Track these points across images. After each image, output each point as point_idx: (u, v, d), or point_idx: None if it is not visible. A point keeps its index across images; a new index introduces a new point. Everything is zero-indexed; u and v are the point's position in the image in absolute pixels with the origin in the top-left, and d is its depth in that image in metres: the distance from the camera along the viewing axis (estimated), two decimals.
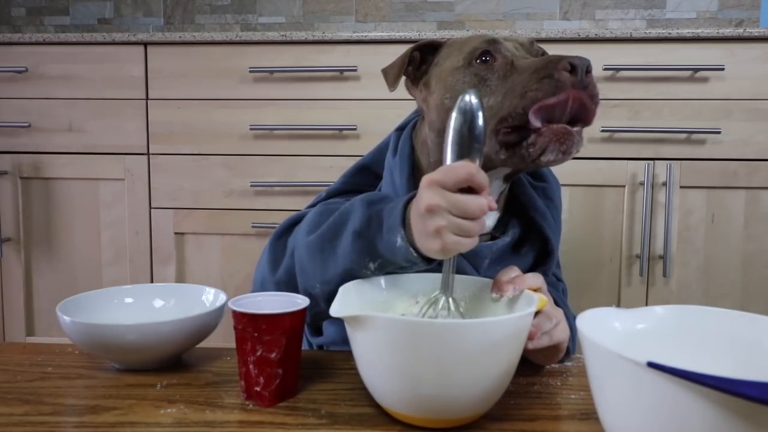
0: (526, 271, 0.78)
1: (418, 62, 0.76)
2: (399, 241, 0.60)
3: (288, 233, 0.77)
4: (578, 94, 0.60)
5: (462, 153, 0.57)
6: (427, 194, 0.56)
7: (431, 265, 0.62)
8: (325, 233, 0.68)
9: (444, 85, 0.70)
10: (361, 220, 0.64)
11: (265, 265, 0.77)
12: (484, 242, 0.74)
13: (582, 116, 0.62)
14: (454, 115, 0.57)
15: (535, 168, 0.72)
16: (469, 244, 0.56)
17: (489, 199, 0.56)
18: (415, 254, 0.60)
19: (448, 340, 0.49)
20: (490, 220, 0.74)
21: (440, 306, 0.60)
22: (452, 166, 0.56)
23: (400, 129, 0.83)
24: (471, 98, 0.57)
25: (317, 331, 0.89)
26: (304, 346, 0.94)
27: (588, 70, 0.61)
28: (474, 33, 0.74)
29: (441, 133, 0.68)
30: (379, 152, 0.85)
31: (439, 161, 0.69)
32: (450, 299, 0.60)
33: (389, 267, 0.64)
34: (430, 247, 0.57)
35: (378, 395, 0.56)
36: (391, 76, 0.75)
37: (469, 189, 0.56)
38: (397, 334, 0.50)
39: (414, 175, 0.76)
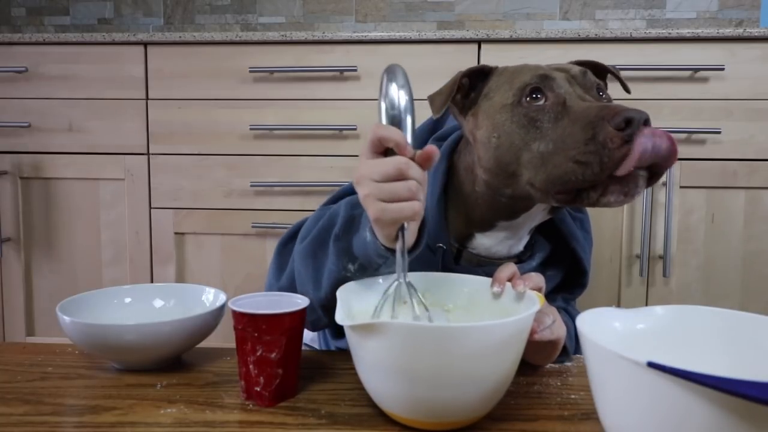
0: (549, 292, 0.77)
1: (467, 89, 0.71)
2: (368, 235, 0.59)
3: (294, 240, 0.76)
4: (642, 155, 0.54)
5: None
6: (358, 167, 0.57)
7: (391, 258, 0.61)
8: (315, 238, 0.68)
9: (492, 122, 0.66)
10: (341, 222, 0.64)
11: (272, 272, 0.77)
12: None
13: (656, 167, 0.57)
14: (384, 86, 0.56)
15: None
16: (398, 209, 0.54)
17: (413, 152, 0.55)
18: (382, 246, 0.59)
19: (451, 342, 0.49)
20: (522, 244, 0.73)
21: (395, 291, 0.59)
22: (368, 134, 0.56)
23: (440, 139, 0.78)
24: (400, 96, 0.56)
25: (340, 334, 0.89)
26: (323, 348, 0.93)
27: (647, 124, 0.56)
28: (525, 63, 0.70)
29: (490, 172, 0.66)
30: None
31: (488, 195, 0.68)
32: (408, 286, 0.59)
33: (368, 270, 0.64)
34: (370, 218, 0.56)
35: (379, 399, 0.56)
36: (437, 103, 0.69)
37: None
38: (401, 338, 0.50)
39: (447, 196, 0.73)
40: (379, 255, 0.60)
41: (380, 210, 0.54)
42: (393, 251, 0.59)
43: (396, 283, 0.59)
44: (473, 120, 0.69)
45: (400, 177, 0.54)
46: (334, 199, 0.83)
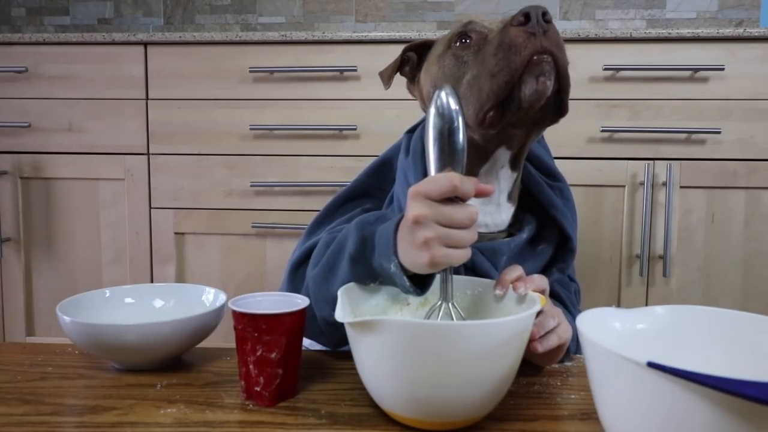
0: (543, 268, 0.78)
1: (416, 62, 0.77)
2: (392, 268, 0.59)
3: (306, 264, 0.76)
4: (539, 47, 0.58)
5: (444, 161, 0.56)
6: (413, 205, 0.55)
7: (423, 294, 0.61)
8: (326, 264, 0.68)
9: (430, 76, 0.72)
10: (355, 245, 0.64)
11: None
12: (502, 239, 0.74)
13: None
14: (432, 114, 0.56)
15: (526, 119, 0.65)
16: (459, 255, 0.55)
17: (482, 186, 0.56)
18: (408, 283, 0.59)
19: (452, 341, 0.49)
20: (505, 214, 0.74)
21: (442, 312, 0.59)
22: (435, 177, 0.55)
23: (411, 131, 0.82)
24: (448, 99, 0.55)
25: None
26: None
27: (547, 20, 0.59)
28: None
29: None
30: (398, 148, 0.84)
31: None
32: (451, 306, 0.59)
33: (391, 283, 0.63)
34: (418, 260, 0.55)
35: (380, 398, 0.56)
36: (384, 76, 0.78)
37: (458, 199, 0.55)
38: (403, 336, 0.50)
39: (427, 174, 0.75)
40: (402, 287, 0.60)
41: (443, 255, 0.54)
42: (415, 287, 0.59)
43: (441, 305, 0.59)
44: (419, 85, 0.76)
45: (470, 226, 0.54)
46: (332, 209, 0.83)
